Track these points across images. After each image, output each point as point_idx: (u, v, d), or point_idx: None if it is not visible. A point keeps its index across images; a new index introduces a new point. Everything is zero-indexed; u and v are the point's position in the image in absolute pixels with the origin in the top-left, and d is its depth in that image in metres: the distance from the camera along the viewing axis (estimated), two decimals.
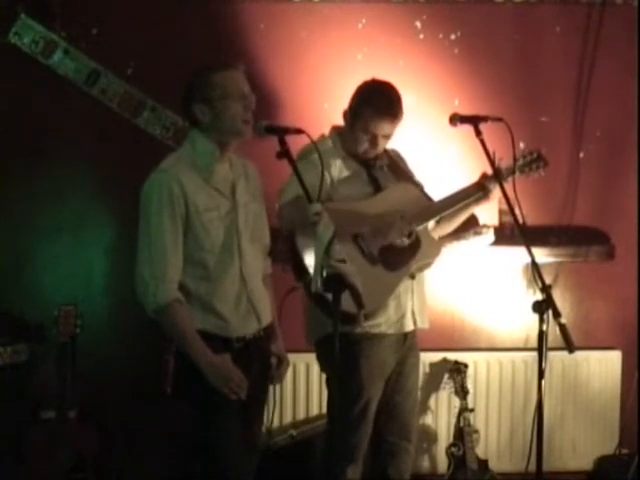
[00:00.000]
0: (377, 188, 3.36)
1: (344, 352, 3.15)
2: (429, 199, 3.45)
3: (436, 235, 3.50)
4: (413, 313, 3.38)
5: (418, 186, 3.47)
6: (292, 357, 3.71)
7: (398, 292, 3.32)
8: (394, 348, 3.38)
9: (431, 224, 3.46)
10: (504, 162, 3.32)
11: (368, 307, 3.18)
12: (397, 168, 3.48)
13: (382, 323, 3.31)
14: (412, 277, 3.36)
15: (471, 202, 3.42)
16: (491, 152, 3.14)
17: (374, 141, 3.31)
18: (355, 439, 3.37)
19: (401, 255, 3.30)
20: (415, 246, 3.32)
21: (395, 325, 3.35)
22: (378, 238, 3.27)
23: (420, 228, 3.35)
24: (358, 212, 3.28)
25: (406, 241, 3.30)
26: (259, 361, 3.06)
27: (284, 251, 3.97)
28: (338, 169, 3.33)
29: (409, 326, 3.39)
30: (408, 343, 3.42)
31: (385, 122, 3.29)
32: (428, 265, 3.42)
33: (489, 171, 3.29)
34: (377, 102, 3.28)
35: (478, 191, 3.39)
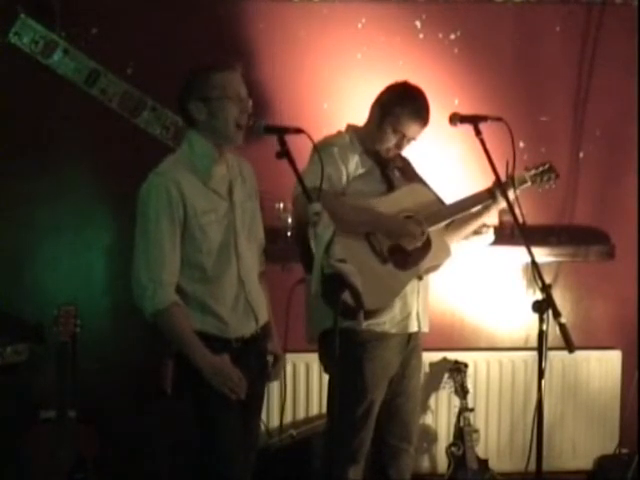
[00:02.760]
0: (390, 187, 3.38)
1: (348, 353, 3.17)
2: (441, 202, 3.46)
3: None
4: (418, 314, 3.39)
5: (430, 189, 3.48)
6: (292, 357, 3.72)
7: (405, 292, 3.33)
8: (398, 349, 3.38)
9: (441, 227, 3.46)
10: (512, 171, 3.31)
11: (375, 304, 3.22)
12: (409, 172, 3.51)
13: (387, 322, 3.31)
14: (420, 278, 3.38)
15: (482, 209, 3.43)
16: (504, 161, 3.14)
17: (400, 142, 3.34)
18: (357, 440, 3.37)
19: (412, 255, 3.32)
20: (426, 247, 3.34)
21: (399, 325, 3.35)
22: (390, 238, 3.29)
23: (432, 230, 3.35)
24: (372, 209, 3.30)
25: (418, 242, 3.30)
26: (256, 360, 3.06)
27: (284, 250, 3.99)
28: (355, 164, 3.34)
29: (413, 327, 3.39)
30: (411, 345, 3.43)
31: (417, 125, 3.32)
32: (437, 267, 3.43)
33: (498, 174, 3.27)
34: (413, 104, 3.32)
35: (488, 198, 3.39)
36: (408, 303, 3.35)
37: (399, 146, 3.36)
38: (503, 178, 3.25)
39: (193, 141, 2.96)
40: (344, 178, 3.29)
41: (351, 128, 3.44)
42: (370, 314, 3.21)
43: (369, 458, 3.47)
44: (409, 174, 3.50)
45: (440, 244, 3.40)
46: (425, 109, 3.35)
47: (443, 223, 3.43)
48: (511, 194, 3.22)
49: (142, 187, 2.92)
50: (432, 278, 3.54)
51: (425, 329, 3.45)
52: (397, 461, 3.48)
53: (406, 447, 3.49)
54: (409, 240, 3.29)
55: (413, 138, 3.37)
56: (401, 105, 3.31)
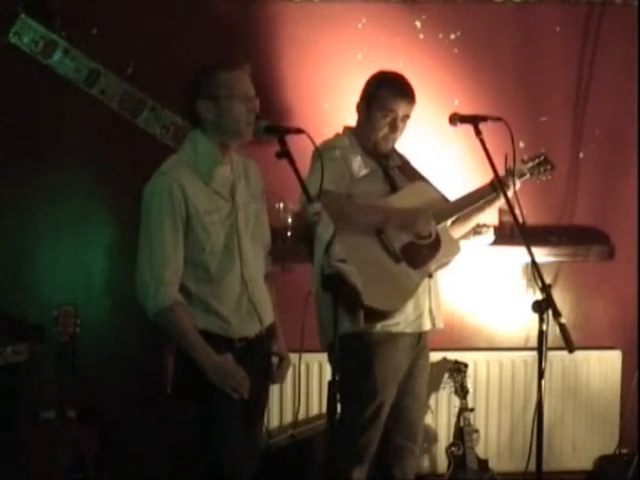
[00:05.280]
0: (393, 187, 3.38)
1: (359, 355, 3.21)
2: (445, 199, 3.46)
3: None
4: (430, 312, 3.40)
5: (433, 186, 3.49)
6: (292, 357, 3.70)
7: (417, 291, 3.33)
8: (408, 351, 3.38)
9: (447, 224, 3.46)
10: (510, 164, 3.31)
11: (392, 305, 3.23)
12: (409, 170, 3.50)
13: (401, 322, 3.31)
14: (430, 276, 3.38)
15: (484, 203, 3.44)
16: (504, 154, 3.15)
17: (393, 123, 3.32)
18: (364, 440, 3.37)
19: (423, 253, 3.32)
20: (436, 245, 3.34)
21: (413, 324, 3.35)
22: (402, 233, 3.28)
23: (440, 227, 3.36)
24: (381, 206, 3.31)
25: (429, 238, 3.30)
26: (260, 361, 3.07)
27: (284, 250, 3.99)
28: (358, 165, 3.34)
29: (426, 325, 3.40)
30: (421, 345, 3.43)
31: (403, 101, 3.31)
32: (447, 264, 3.44)
33: (498, 173, 3.28)
34: (393, 83, 3.34)
35: (492, 192, 3.39)
36: (420, 302, 3.36)
37: (394, 128, 3.33)
38: (502, 172, 3.27)
39: (197, 141, 2.96)
40: (349, 179, 3.29)
41: (348, 130, 3.44)
42: (386, 314, 3.22)
43: (373, 458, 3.47)
44: (409, 173, 3.49)
45: (449, 241, 3.41)
46: (407, 86, 3.36)
47: (450, 220, 3.44)
48: (512, 188, 3.25)
49: (145, 187, 2.92)
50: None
51: (440, 325, 3.45)
52: (402, 460, 3.48)
53: (411, 447, 3.49)
54: (425, 226, 3.27)
55: (405, 117, 3.34)
56: (383, 87, 3.33)
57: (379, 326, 3.25)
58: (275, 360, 3.14)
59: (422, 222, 3.28)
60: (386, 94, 3.31)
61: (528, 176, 3.49)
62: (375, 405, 3.34)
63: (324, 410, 4.00)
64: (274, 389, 4.12)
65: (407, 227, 3.28)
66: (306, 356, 4.01)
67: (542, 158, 3.53)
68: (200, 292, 2.93)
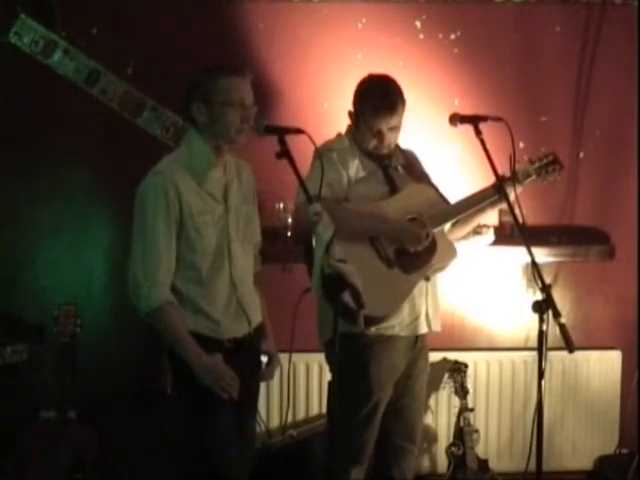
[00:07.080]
0: (393, 189, 3.35)
1: (355, 354, 3.20)
2: (446, 201, 3.43)
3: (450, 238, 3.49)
4: (427, 316, 3.37)
5: (434, 187, 3.46)
6: (292, 357, 3.71)
7: (413, 294, 3.31)
8: (405, 351, 3.37)
9: (447, 226, 3.44)
10: (518, 165, 3.28)
11: (384, 310, 3.21)
12: (413, 169, 3.47)
13: (396, 325, 3.29)
14: (427, 279, 3.35)
15: (487, 205, 3.40)
16: (504, 161, 3.13)
17: (380, 136, 3.30)
18: (361, 441, 3.37)
19: (418, 258, 3.28)
20: (431, 249, 3.30)
21: (408, 327, 3.34)
22: (395, 243, 3.27)
23: (437, 230, 3.33)
24: (375, 214, 3.28)
25: (423, 244, 3.28)
26: (250, 360, 3.07)
27: (284, 251, 3.99)
28: (355, 168, 3.31)
29: (422, 329, 3.38)
30: (418, 346, 3.42)
31: (384, 116, 3.26)
32: (444, 268, 3.40)
33: (498, 173, 3.26)
34: (372, 98, 3.28)
35: (494, 194, 3.36)
36: (417, 305, 3.34)
37: (382, 140, 3.31)
38: (506, 174, 3.26)
39: (192, 142, 2.96)
40: (345, 183, 3.27)
41: (350, 130, 3.41)
42: (379, 320, 3.20)
43: (372, 458, 3.47)
44: (414, 170, 3.45)
45: (445, 245, 3.37)
46: (386, 97, 3.27)
47: (448, 223, 3.41)
48: (517, 189, 3.22)
49: (140, 186, 2.92)
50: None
51: (437, 328, 3.43)
52: (400, 461, 3.47)
53: (410, 447, 3.48)
54: (413, 243, 3.27)
55: (392, 128, 3.30)
56: (364, 103, 3.29)
57: (373, 329, 3.24)
58: (264, 359, 3.15)
59: (410, 241, 3.25)
60: (368, 111, 3.27)
61: (534, 177, 3.42)
62: (371, 404, 3.33)
63: (324, 410, 4.01)
64: (274, 389, 4.13)
65: (398, 240, 3.26)
66: (306, 356, 4.03)
67: (550, 158, 3.47)
68: (190, 293, 2.93)
